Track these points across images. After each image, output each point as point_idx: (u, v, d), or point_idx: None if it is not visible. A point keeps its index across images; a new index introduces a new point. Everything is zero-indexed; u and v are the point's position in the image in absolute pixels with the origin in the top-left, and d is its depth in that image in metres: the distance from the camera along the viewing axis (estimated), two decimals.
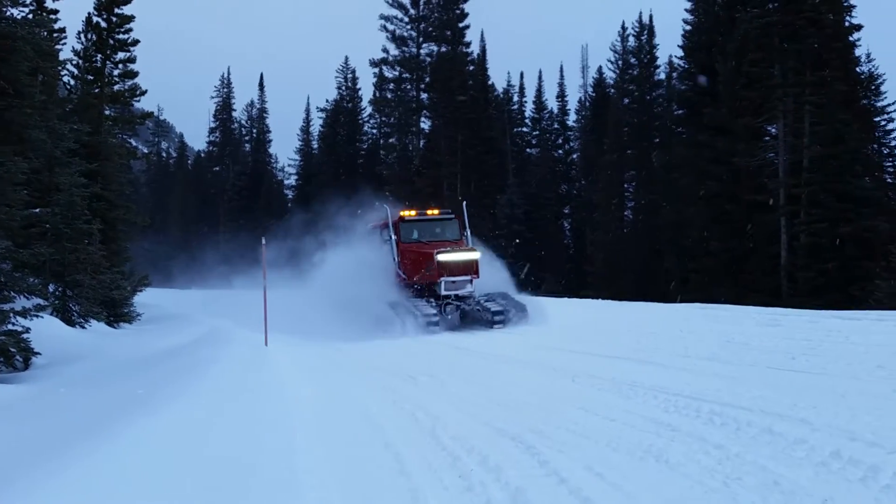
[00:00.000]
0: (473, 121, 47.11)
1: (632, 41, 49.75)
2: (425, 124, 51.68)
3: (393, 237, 18.40)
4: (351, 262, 18.90)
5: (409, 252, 18.24)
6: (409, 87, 51.54)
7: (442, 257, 17.09)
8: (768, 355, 9.95)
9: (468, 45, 49.67)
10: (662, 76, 48.82)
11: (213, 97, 74.75)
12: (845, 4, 35.00)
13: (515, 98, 60.32)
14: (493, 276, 18.57)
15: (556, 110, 59.88)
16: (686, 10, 40.54)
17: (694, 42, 39.90)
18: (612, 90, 51.73)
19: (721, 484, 4.65)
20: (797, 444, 5.38)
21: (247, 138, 75.34)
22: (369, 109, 59.23)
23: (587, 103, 58.39)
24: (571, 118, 60.07)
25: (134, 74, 26.39)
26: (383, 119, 56.67)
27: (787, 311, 17.13)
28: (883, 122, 41.49)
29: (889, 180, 41.28)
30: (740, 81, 32.73)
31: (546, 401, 7.66)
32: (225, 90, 74.37)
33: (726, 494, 4.47)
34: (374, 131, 60.08)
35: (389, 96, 52.44)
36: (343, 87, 62.41)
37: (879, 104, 41.31)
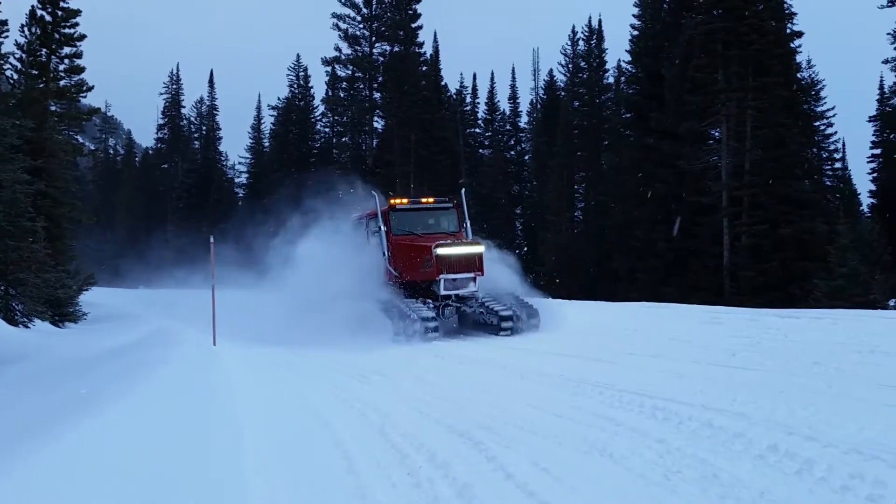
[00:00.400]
0: (426, 121, 47.16)
1: (582, 45, 50.43)
2: (378, 124, 51.54)
3: (382, 228, 16.10)
4: (333, 259, 16.39)
5: (402, 245, 15.99)
6: (361, 86, 51.28)
7: (441, 251, 14.81)
8: (710, 352, 10.22)
9: (421, 45, 49.70)
10: (611, 80, 49.60)
11: (161, 93, 73.41)
12: (787, 12, 36.14)
13: (468, 99, 60.62)
14: (500, 275, 16.13)
15: (508, 112, 60.45)
16: (634, 15, 41.27)
17: (641, 47, 40.59)
18: (563, 93, 52.36)
19: (662, 477, 4.78)
20: (736, 438, 5.55)
21: (196, 135, 74.05)
22: (322, 108, 58.83)
23: (538, 105, 59.01)
24: (523, 120, 60.76)
25: (80, 70, 25.81)
26: (336, 118, 56.26)
27: (729, 309, 17.62)
28: (822, 127, 42.97)
29: (828, 183, 42.72)
30: (685, 86, 33.43)
31: (495, 398, 7.75)
32: (174, 86, 73.06)
33: (667, 487, 4.59)
34: (327, 130, 59.67)
35: (342, 95, 52.10)
36: (295, 86, 61.80)
37: (819, 109, 42.80)
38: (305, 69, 61.74)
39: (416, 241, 15.85)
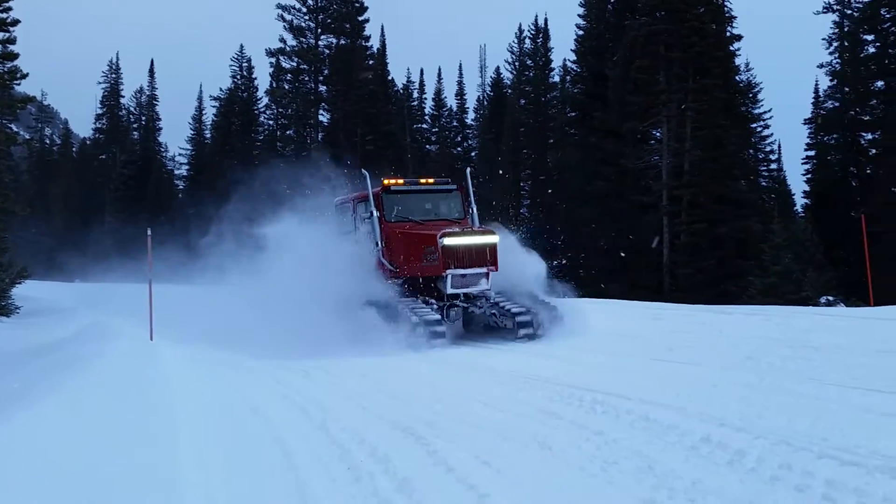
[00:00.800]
0: (373, 115, 46.94)
1: (528, 43, 50.86)
2: (324, 117, 51.08)
3: (375, 214, 13.73)
4: (310, 250, 13.76)
5: (400, 234, 13.66)
6: (307, 78, 50.76)
7: (449, 241, 12.54)
8: (649, 347, 10.47)
9: (368, 38, 49.44)
10: (557, 79, 50.14)
11: (100, 83, 71.34)
12: (727, 15, 37.07)
13: (415, 94, 60.59)
14: (513, 270, 13.54)
15: (455, 108, 60.61)
16: (579, 15, 41.79)
17: (586, 47, 41.11)
18: (510, 91, 52.70)
19: (599, 469, 4.87)
20: (670, 430, 5.69)
21: (135, 126, 72.30)
22: (266, 100, 58.03)
23: (485, 102, 59.27)
24: (470, 116, 60.93)
25: (14, 56, 24.95)
26: (280, 110, 55.55)
27: (669, 305, 18.04)
28: (759, 129, 44.26)
29: (763, 184, 44.07)
30: (628, 87, 34.03)
31: (441, 393, 7.78)
32: (113, 75, 71.07)
33: (603, 479, 4.68)
34: (271, 122, 58.88)
35: (287, 87, 51.49)
36: (238, 76, 60.78)
37: (756, 111, 44.07)
38: (249, 60, 60.84)
39: (416, 230, 13.64)
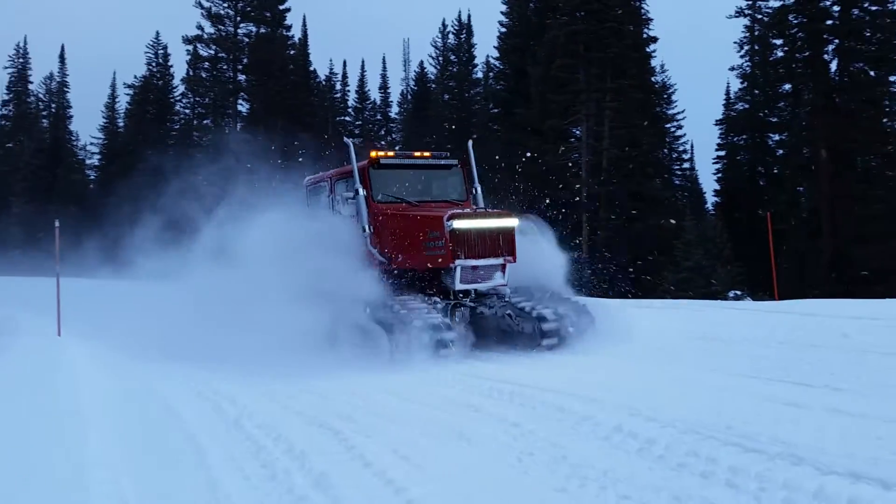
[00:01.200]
0: (294, 106, 46.24)
1: (452, 39, 51.06)
2: (243, 107, 50.04)
3: (361, 192, 11.30)
4: (279, 239, 11.03)
5: (392, 217, 11.22)
6: (225, 67, 49.62)
7: (460, 225, 10.14)
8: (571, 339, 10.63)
9: (289, 28, 48.73)
10: (480, 75, 50.56)
11: (6, 67, 67.52)
12: (643, 17, 38.13)
13: (338, 86, 59.98)
14: (529, 264, 10.98)
15: (378, 101, 60.30)
16: (502, 12, 42.25)
17: (509, 44, 41.61)
18: (434, 85, 52.83)
19: (516, 459, 4.94)
20: (584, 420, 5.83)
21: (45, 113, 69.00)
22: (182, 88, 56.43)
23: (409, 97, 59.22)
24: (394, 110, 60.76)
25: None
26: (197, 99, 54.14)
27: (587, 300, 18.39)
28: (672, 129, 45.76)
29: (677, 182, 45.60)
30: (549, 85, 34.60)
31: (361, 388, 7.72)
32: (20, 60, 67.45)
33: (520, 469, 4.76)
34: (188, 111, 57.30)
35: (204, 76, 50.21)
36: (153, 64, 58.85)
37: (670, 112, 45.57)
38: (165, 47, 58.97)
39: (414, 212, 11.18)
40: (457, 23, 50.75)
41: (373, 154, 11.67)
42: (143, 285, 15.66)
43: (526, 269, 10.79)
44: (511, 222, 10.57)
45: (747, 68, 41.75)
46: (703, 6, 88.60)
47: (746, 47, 41.75)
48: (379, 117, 60.10)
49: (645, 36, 38.01)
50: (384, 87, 59.88)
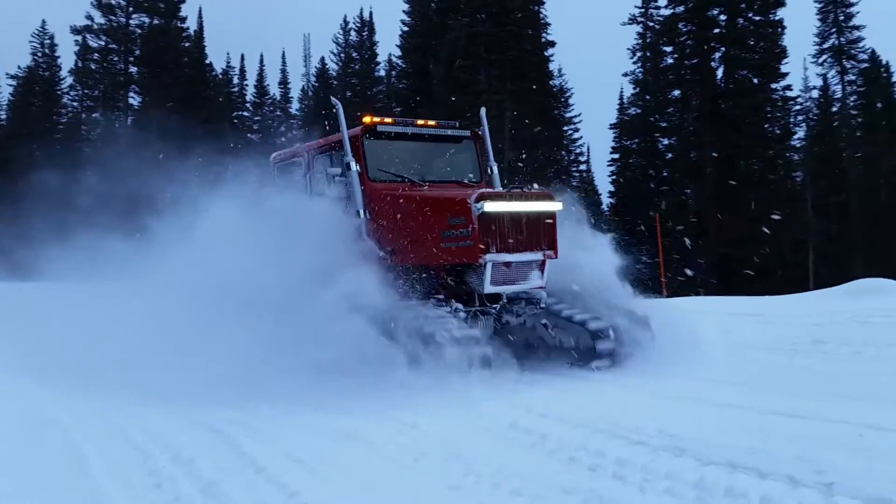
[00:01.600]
0: (189, 100, 44.79)
1: (354, 36, 50.72)
2: (135, 100, 48.06)
3: (354, 167, 8.99)
4: (249, 233, 8.82)
5: (397, 199, 8.86)
6: (116, 58, 47.54)
7: (492, 207, 7.93)
8: None
9: (184, 20, 47.11)
10: (383, 73, 50.42)
11: None
12: (542, 22, 39.05)
13: (236, 80, 58.43)
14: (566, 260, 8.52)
15: (278, 97, 59.13)
16: (404, 11, 42.31)
17: (411, 44, 41.73)
18: (335, 82, 52.29)
19: (412, 461, 4.95)
20: (481, 418, 5.93)
21: None
22: (70, 80, 53.66)
23: (310, 93, 58.36)
24: (295, 106, 59.72)
25: None
26: (86, 91, 51.63)
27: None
28: (569, 132, 47.07)
29: (574, 184, 46.90)
30: (451, 85, 34.91)
31: (251, 392, 7.51)
32: None
33: (415, 470, 4.77)
34: (76, 104, 54.55)
35: (93, 67, 47.95)
36: (39, 54, 55.62)
37: (567, 115, 46.83)
38: (52, 37, 55.78)
39: (425, 193, 8.83)
40: (359, 20, 50.51)
41: (366, 119, 9.32)
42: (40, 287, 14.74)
43: (565, 266, 8.50)
44: (553, 206, 8.38)
45: (640, 74, 43.43)
46: (598, 13, 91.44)
47: (639, 54, 43.44)
48: (279, 113, 58.94)
49: (543, 40, 38.93)
50: (284, 83, 58.86)
